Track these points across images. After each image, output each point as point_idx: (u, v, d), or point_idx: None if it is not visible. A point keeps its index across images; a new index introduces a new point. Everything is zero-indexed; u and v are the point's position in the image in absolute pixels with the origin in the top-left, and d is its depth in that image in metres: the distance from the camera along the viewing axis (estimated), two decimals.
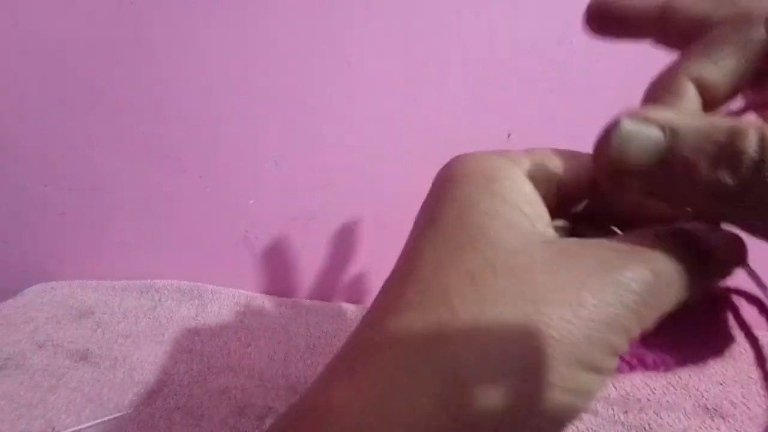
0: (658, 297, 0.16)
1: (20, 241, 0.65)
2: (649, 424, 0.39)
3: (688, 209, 0.18)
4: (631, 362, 0.17)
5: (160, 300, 0.59)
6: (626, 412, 0.40)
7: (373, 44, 0.50)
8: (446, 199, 0.17)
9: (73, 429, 0.40)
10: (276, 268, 0.62)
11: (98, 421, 0.41)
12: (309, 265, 0.61)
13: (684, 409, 0.41)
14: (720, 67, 0.18)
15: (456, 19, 0.48)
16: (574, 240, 0.17)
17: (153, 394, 0.44)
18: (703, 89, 0.18)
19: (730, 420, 0.40)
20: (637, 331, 0.15)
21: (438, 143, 0.52)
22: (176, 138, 0.57)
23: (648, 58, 0.50)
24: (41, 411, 0.42)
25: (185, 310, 0.57)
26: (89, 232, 0.63)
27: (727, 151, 0.14)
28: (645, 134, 0.16)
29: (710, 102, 0.18)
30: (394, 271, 0.18)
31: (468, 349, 0.15)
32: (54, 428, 0.40)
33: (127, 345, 0.51)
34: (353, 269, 0.61)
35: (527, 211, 0.17)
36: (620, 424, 0.39)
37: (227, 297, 0.59)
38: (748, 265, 0.17)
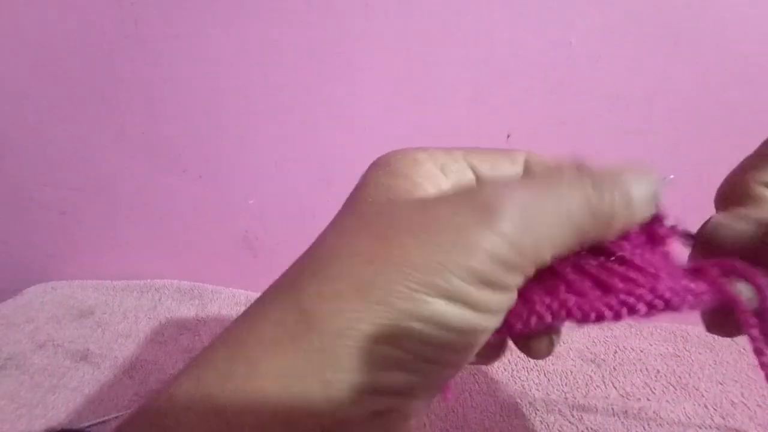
0: (535, 218, 0.15)
1: (20, 241, 0.65)
2: (648, 424, 0.39)
3: None
4: (551, 308, 0.16)
5: (160, 300, 0.59)
6: (626, 412, 0.40)
7: (373, 44, 0.50)
8: (356, 190, 0.20)
9: (73, 429, 0.40)
10: (276, 268, 0.62)
11: (98, 421, 0.41)
12: None
13: (684, 409, 0.41)
14: None
15: (456, 19, 0.48)
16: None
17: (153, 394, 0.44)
18: None
19: (730, 420, 0.40)
20: (513, 255, 0.15)
21: (438, 143, 0.52)
22: (176, 138, 0.57)
23: (648, 59, 0.50)
24: (41, 411, 0.42)
25: (185, 310, 0.57)
26: (89, 232, 0.63)
27: None
28: (737, 226, 0.18)
29: None
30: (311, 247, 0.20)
31: (310, 285, 0.16)
32: (54, 428, 0.40)
33: (127, 345, 0.51)
34: None
35: (427, 186, 0.18)
36: (620, 424, 0.39)
37: (227, 297, 0.59)
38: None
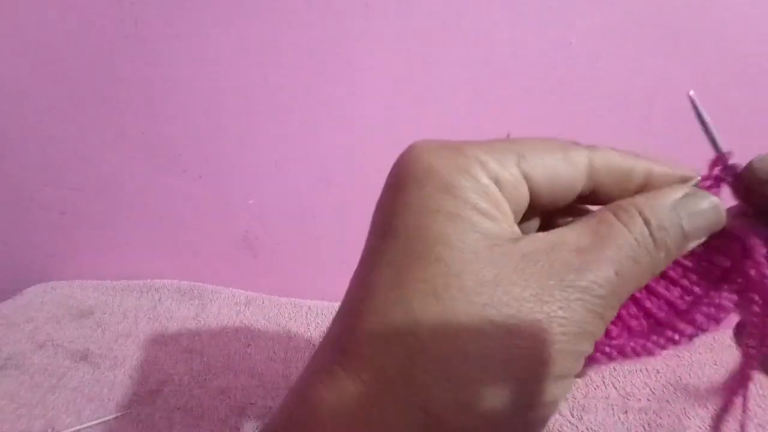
0: (622, 292, 0.16)
1: (20, 241, 0.65)
2: (648, 424, 0.39)
3: None
4: (609, 353, 0.16)
5: (160, 300, 0.59)
6: (626, 412, 0.40)
7: (373, 44, 0.50)
8: (401, 205, 0.16)
9: (73, 429, 0.40)
10: (276, 268, 0.62)
11: (98, 421, 0.41)
12: (309, 264, 0.61)
13: (684, 409, 0.41)
14: None
15: (456, 19, 0.48)
16: (535, 237, 0.16)
17: (153, 394, 0.44)
18: None
19: (731, 420, 0.40)
20: (603, 331, 0.16)
21: None
22: (176, 138, 0.57)
23: (648, 59, 0.50)
24: (41, 411, 0.42)
25: (185, 310, 0.57)
26: (89, 232, 0.63)
27: None
28: None
29: None
30: (351, 286, 0.17)
31: (438, 385, 0.14)
32: (54, 428, 0.40)
33: (127, 345, 0.51)
34: (353, 269, 0.61)
35: (491, 213, 0.16)
36: (620, 424, 0.39)
37: (227, 297, 0.59)
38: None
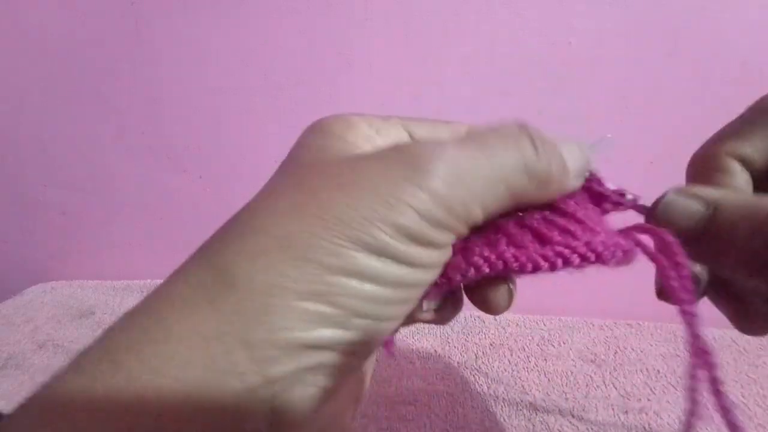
0: (465, 177, 0.15)
1: (20, 241, 0.65)
2: (649, 424, 0.39)
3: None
4: (469, 266, 0.16)
5: None
6: (626, 412, 0.40)
7: (373, 44, 0.50)
8: (289, 151, 0.20)
9: None
10: None
11: None
12: None
13: (684, 409, 0.41)
14: (753, 144, 0.21)
15: (456, 19, 0.48)
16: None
17: None
18: (746, 165, 0.20)
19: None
20: (442, 214, 0.15)
21: None
22: (176, 138, 0.57)
23: (648, 59, 0.50)
24: None
25: None
26: (89, 232, 0.63)
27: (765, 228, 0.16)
28: (688, 205, 0.18)
29: (754, 177, 0.20)
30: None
31: (232, 242, 0.16)
32: None
33: None
34: None
35: (361, 145, 0.18)
36: (620, 424, 0.39)
37: None
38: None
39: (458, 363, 0.46)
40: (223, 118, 0.55)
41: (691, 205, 0.18)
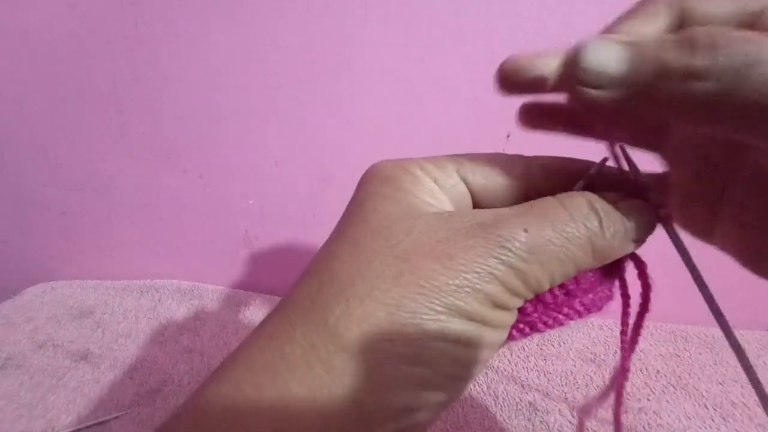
0: (540, 255, 0.17)
1: (20, 241, 0.65)
2: (649, 424, 0.39)
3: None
4: (522, 329, 0.19)
5: (160, 300, 0.59)
6: (626, 412, 0.40)
7: (372, 44, 0.50)
8: (353, 198, 0.20)
9: (72, 429, 0.40)
10: (276, 268, 0.62)
11: (98, 421, 0.41)
12: None
13: (684, 409, 0.41)
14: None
15: (456, 19, 0.48)
16: (460, 210, 0.19)
17: (153, 394, 0.44)
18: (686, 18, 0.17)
19: (730, 420, 0.40)
20: (511, 281, 0.17)
21: (438, 143, 0.52)
22: (176, 138, 0.57)
23: None
24: (41, 411, 0.42)
25: (185, 310, 0.57)
26: (89, 232, 0.63)
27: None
28: (609, 48, 0.15)
29: None
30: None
31: (338, 305, 0.16)
32: (54, 428, 0.40)
33: (127, 345, 0.51)
34: None
35: (426, 199, 0.19)
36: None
37: (227, 297, 0.60)
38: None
39: None
40: (223, 118, 0.55)
41: (614, 48, 0.15)
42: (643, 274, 0.20)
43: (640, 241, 0.19)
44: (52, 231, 0.64)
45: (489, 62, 0.54)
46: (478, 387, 0.44)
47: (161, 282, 0.61)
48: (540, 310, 0.19)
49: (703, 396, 0.42)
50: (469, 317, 0.16)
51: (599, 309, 0.20)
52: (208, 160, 0.57)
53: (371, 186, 0.20)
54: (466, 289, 0.16)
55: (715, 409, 0.41)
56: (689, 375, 0.45)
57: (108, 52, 0.53)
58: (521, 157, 0.21)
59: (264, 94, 0.53)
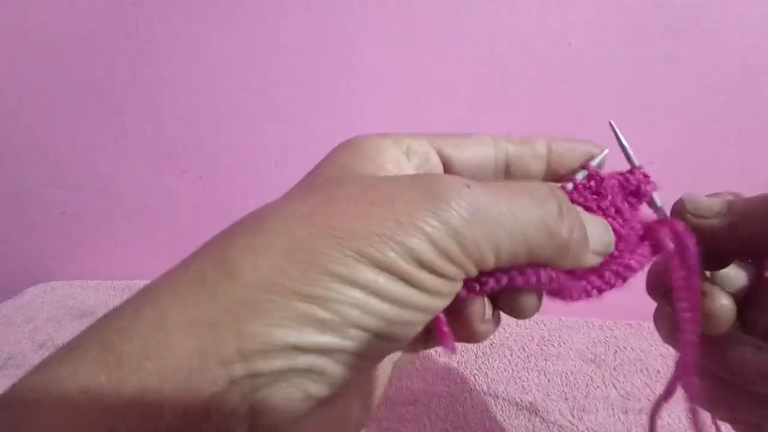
0: (484, 218, 0.16)
1: (20, 241, 0.65)
2: None
3: None
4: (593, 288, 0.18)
5: None
6: (626, 412, 0.40)
7: (372, 44, 0.50)
8: (316, 166, 0.20)
9: None
10: None
11: None
12: None
13: (684, 409, 0.41)
14: None
15: (456, 19, 0.48)
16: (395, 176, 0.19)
17: None
18: None
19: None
20: (455, 249, 0.15)
21: None
22: (176, 138, 0.57)
23: (647, 60, 0.50)
24: None
25: None
26: (89, 232, 0.63)
27: None
28: (710, 201, 0.22)
29: None
30: None
31: (243, 237, 0.16)
32: None
33: None
34: None
35: (389, 167, 0.19)
36: (620, 424, 0.39)
37: None
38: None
39: (458, 363, 0.46)
40: (223, 118, 0.55)
41: (713, 202, 0.21)
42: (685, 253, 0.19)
43: (599, 254, 0.19)
44: (52, 231, 0.64)
45: (489, 62, 0.54)
46: (478, 387, 0.44)
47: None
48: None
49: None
50: (386, 269, 0.15)
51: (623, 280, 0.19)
52: (208, 160, 0.57)
53: (332, 152, 0.20)
54: (384, 238, 0.15)
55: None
56: None
57: (108, 52, 0.53)
58: (500, 138, 0.22)
59: (264, 94, 0.53)
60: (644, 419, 0.40)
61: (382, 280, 0.15)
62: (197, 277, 0.15)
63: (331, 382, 0.15)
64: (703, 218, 0.21)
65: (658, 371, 0.45)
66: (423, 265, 0.15)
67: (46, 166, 0.60)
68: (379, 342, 0.15)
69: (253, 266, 0.14)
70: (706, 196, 0.22)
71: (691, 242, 0.19)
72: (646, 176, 0.22)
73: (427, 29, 0.49)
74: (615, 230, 0.20)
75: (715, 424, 0.23)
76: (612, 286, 0.19)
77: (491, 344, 0.48)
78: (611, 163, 0.23)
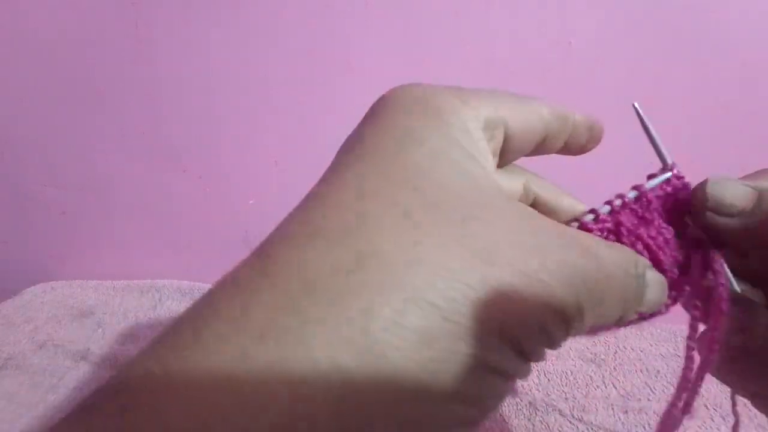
0: (600, 294, 0.15)
1: (20, 241, 0.65)
2: (649, 424, 0.39)
3: None
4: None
5: (160, 300, 0.59)
6: (626, 412, 0.40)
7: (372, 44, 0.50)
8: (381, 127, 0.15)
9: None
10: None
11: None
12: None
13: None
14: None
15: (456, 19, 0.48)
16: (529, 208, 0.16)
17: None
18: None
19: (730, 420, 0.40)
20: (573, 315, 0.14)
21: None
22: (176, 138, 0.57)
23: (647, 60, 0.50)
24: (41, 411, 0.42)
25: None
26: (89, 232, 0.63)
27: None
28: (737, 187, 0.18)
29: None
30: (301, 202, 0.14)
31: (387, 302, 0.11)
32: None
33: (127, 345, 0.51)
34: None
35: (476, 156, 0.15)
36: (620, 424, 0.39)
37: None
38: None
39: None
40: (223, 119, 0.55)
41: (741, 187, 0.18)
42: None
43: (643, 314, 0.18)
44: (52, 231, 0.64)
45: (489, 62, 0.54)
46: None
47: (161, 282, 0.61)
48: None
49: (703, 396, 0.42)
50: (519, 351, 0.13)
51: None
52: (208, 160, 0.57)
53: (414, 122, 0.15)
54: (535, 318, 0.13)
55: (715, 409, 0.41)
56: None
57: (108, 52, 0.53)
58: (552, 107, 0.20)
59: (264, 94, 0.53)
60: (644, 419, 0.40)
61: (517, 363, 0.13)
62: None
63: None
64: (728, 216, 0.18)
65: (658, 371, 0.45)
66: (526, 355, 0.14)
67: (46, 166, 0.60)
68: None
69: (395, 343, 0.11)
70: (742, 178, 0.19)
71: (725, 303, 0.18)
72: (685, 185, 0.20)
73: (427, 30, 0.49)
74: (661, 268, 0.18)
75: (733, 399, 0.22)
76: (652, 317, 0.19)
77: None
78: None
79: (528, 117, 0.18)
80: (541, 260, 0.13)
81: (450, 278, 0.12)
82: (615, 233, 0.18)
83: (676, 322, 0.53)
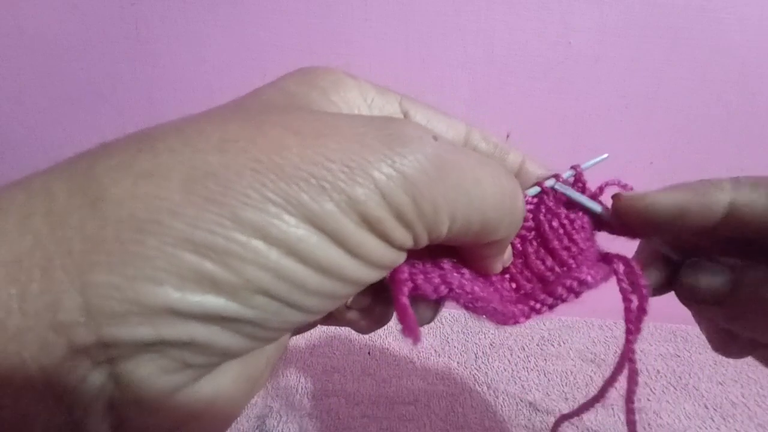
0: (449, 176, 0.13)
1: None
2: (649, 424, 0.39)
3: None
4: (533, 309, 0.18)
5: None
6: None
7: (372, 44, 0.50)
8: (257, 90, 0.16)
9: None
10: None
11: None
12: None
13: (684, 409, 0.41)
14: None
15: (456, 19, 0.48)
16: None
17: None
18: None
19: (730, 420, 0.40)
20: (409, 206, 0.12)
21: None
22: None
23: (646, 60, 0.50)
24: None
25: None
26: None
27: None
28: (712, 280, 0.21)
29: None
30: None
31: (129, 150, 0.12)
32: None
33: None
34: None
35: (341, 106, 0.16)
36: (620, 424, 0.39)
37: None
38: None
39: (458, 363, 0.46)
40: None
41: (715, 279, 0.20)
42: (637, 284, 0.20)
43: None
44: None
45: (489, 62, 0.54)
46: (478, 387, 0.44)
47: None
48: (537, 285, 0.19)
49: (703, 396, 0.42)
50: (318, 225, 0.11)
51: (594, 285, 0.19)
52: None
53: (281, 78, 0.16)
54: (323, 182, 0.11)
55: (715, 409, 0.41)
56: (689, 375, 0.45)
57: (108, 52, 0.53)
58: (475, 131, 0.20)
59: None
60: (644, 419, 0.40)
61: (309, 237, 0.11)
62: (40, 199, 0.11)
63: (222, 353, 0.11)
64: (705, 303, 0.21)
65: (658, 371, 0.45)
66: (367, 223, 0.12)
67: (46, 166, 0.60)
68: (289, 314, 0.12)
69: (124, 192, 0.10)
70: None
71: (645, 288, 0.20)
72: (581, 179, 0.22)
73: (427, 29, 0.49)
74: (573, 242, 0.20)
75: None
76: (564, 301, 0.19)
77: (491, 344, 0.48)
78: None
79: (436, 120, 0.19)
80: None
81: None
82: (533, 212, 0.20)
83: (677, 321, 0.53)
